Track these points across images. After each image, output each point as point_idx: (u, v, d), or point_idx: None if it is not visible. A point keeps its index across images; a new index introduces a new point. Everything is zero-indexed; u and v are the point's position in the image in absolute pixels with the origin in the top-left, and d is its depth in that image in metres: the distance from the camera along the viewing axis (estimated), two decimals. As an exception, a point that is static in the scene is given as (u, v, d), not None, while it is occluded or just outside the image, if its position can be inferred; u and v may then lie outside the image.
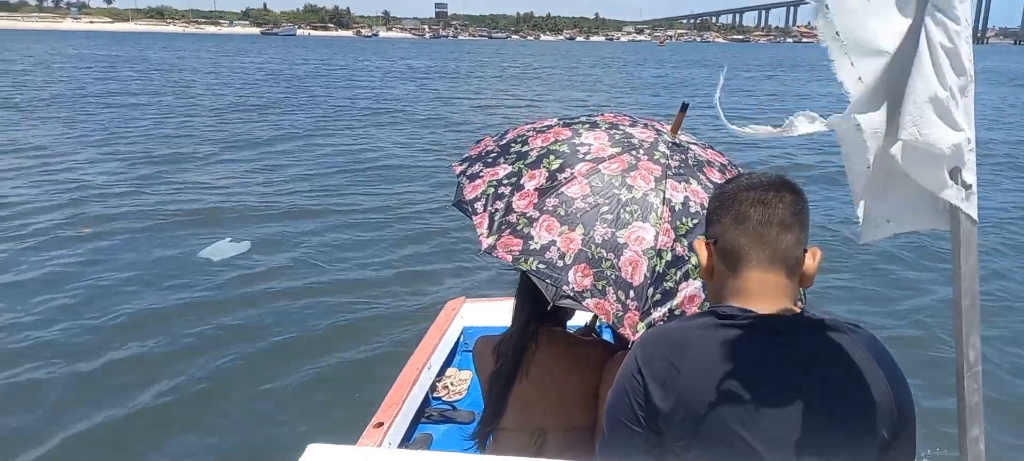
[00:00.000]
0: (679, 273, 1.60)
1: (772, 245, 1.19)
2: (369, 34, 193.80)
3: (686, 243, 1.62)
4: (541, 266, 1.59)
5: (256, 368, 4.70)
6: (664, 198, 1.66)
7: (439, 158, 12.79)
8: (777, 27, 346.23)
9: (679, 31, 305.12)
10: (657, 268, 1.59)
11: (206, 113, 18.74)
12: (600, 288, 1.56)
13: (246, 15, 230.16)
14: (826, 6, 0.98)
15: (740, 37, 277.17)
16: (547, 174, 1.72)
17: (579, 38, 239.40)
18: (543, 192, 1.68)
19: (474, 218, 1.72)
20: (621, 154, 1.75)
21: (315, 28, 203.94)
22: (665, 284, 1.59)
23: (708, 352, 1.17)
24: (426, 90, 27.88)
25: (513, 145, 1.87)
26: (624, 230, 1.61)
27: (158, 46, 73.57)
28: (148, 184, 9.98)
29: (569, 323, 2.10)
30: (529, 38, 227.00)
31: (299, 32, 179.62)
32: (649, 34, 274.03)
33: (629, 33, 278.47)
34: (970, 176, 1.05)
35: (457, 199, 1.80)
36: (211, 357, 4.80)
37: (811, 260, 1.22)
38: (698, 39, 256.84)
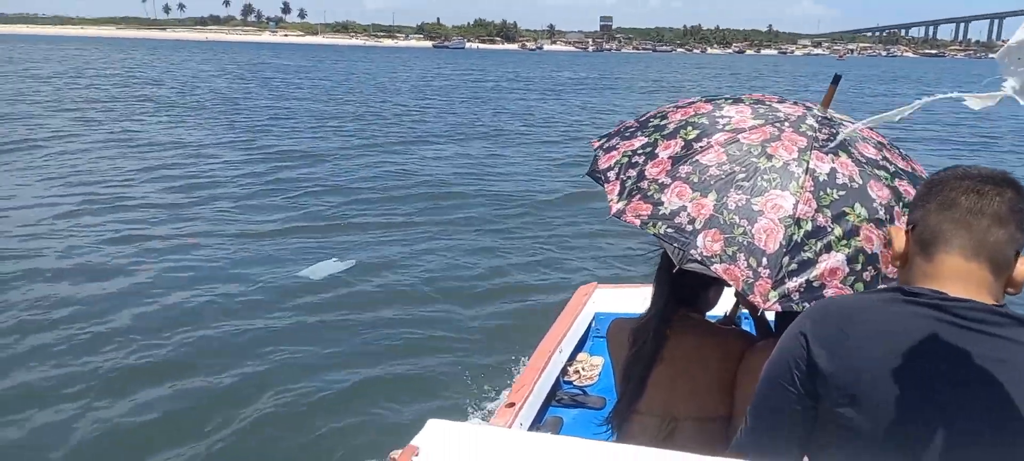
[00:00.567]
0: (819, 244, 1.49)
1: (980, 236, 1.06)
2: (533, 47, 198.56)
3: (829, 214, 1.50)
4: (669, 230, 1.54)
5: (388, 354, 4.95)
6: (807, 168, 1.55)
7: (578, 159, 13.19)
8: (978, 41, 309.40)
9: (862, 45, 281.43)
10: (795, 237, 1.49)
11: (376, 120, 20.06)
12: (730, 254, 1.49)
13: (420, 29, 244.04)
14: None
15: (933, 52, 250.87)
16: (683, 143, 1.68)
17: (749, 51, 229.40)
18: (677, 160, 1.64)
19: (606, 186, 1.72)
20: (763, 125, 1.67)
21: (483, 41, 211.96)
22: (803, 254, 1.48)
23: (884, 320, 1.08)
24: (564, 103, 27.76)
25: (652, 120, 1.86)
26: (760, 197, 1.53)
27: (336, 56, 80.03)
28: (282, 188, 10.45)
29: (708, 314, 2.00)
30: (696, 51, 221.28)
31: (468, 45, 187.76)
32: (828, 47, 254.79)
33: (805, 46, 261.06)
34: None
35: (591, 169, 1.81)
36: (349, 346, 5.10)
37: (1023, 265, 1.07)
38: (884, 53, 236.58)
